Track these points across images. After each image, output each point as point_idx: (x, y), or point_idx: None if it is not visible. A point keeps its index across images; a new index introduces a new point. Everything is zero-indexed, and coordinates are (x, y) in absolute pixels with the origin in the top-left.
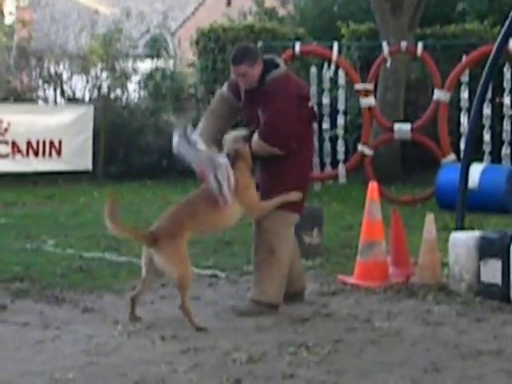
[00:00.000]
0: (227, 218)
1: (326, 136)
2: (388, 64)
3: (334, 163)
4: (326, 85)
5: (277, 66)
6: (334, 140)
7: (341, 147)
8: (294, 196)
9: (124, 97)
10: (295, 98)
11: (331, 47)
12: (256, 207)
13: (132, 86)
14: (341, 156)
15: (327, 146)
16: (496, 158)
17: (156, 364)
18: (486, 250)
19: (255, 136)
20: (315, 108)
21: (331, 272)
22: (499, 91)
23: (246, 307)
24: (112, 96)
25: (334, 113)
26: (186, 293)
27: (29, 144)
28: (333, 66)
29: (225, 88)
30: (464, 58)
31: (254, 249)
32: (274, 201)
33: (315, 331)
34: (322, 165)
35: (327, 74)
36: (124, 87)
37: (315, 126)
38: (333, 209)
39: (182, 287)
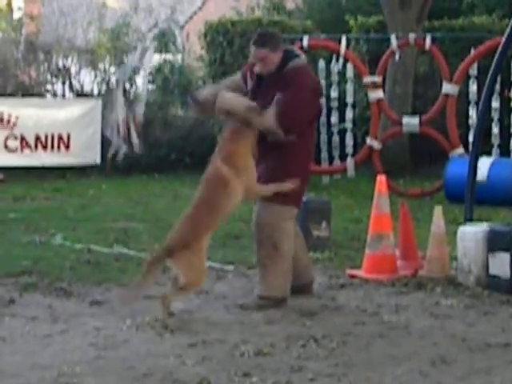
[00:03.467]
0: (233, 200)
1: (335, 129)
2: (396, 57)
3: (343, 156)
4: (335, 78)
5: (297, 56)
6: (342, 133)
7: (349, 140)
8: (288, 186)
9: (132, 90)
10: (311, 91)
11: (339, 40)
12: (254, 188)
13: (140, 80)
14: (349, 149)
15: (336, 139)
16: (505, 151)
17: (164, 357)
18: (494, 243)
19: (269, 108)
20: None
21: (339, 265)
22: (508, 84)
23: (253, 303)
24: (120, 90)
25: (342, 106)
26: (182, 295)
27: (37, 138)
28: (341, 60)
29: (237, 76)
30: (472, 51)
31: (257, 245)
32: (270, 187)
33: (323, 324)
34: (331, 158)
35: (335, 67)
36: (132, 81)
37: (322, 119)
38: (341, 202)
39: (183, 291)
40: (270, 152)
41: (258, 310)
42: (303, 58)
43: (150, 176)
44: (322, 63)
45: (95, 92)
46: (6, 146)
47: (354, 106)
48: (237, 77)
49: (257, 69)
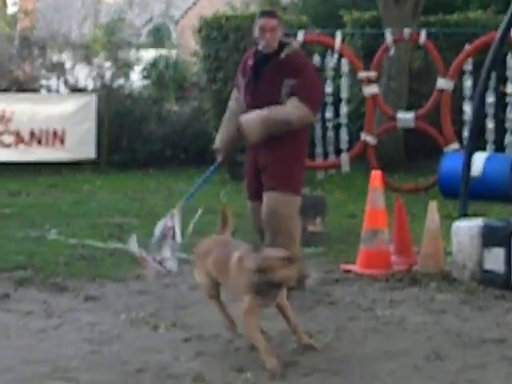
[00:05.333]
0: None
1: (329, 125)
2: (391, 52)
3: (337, 152)
4: (329, 73)
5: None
6: (337, 129)
7: (344, 136)
8: None
9: (127, 86)
10: (316, 72)
11: (334, 35)
12: None
13: (135, 75)
14: (344, 145)
15: (330, 134)
16: (499, 146)
17: (159, 352)
18: (489, 238)
19: (292, 100)
20: None
21: (334, 260)
22: (502, 80)
23: None
24: (115, 85)
25: (337, 101)
26: None
27: (32, 133)
28: (336, 55)
29: (234, 92)
30: (467, 47)
31: (271, 236)
32: None
33: (318, 319)
34: (325, 153)
35: (330, 62)
36: (127, 76)
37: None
38: (336, 197)
39: None
40: (271, 141)
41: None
42: (294, 42)
43: (145, 171)
44: (316, 58)
45: (90, 87)
46: (0, 142)
47: (348, 101)
48: (235, 96)
49: (263, 43)
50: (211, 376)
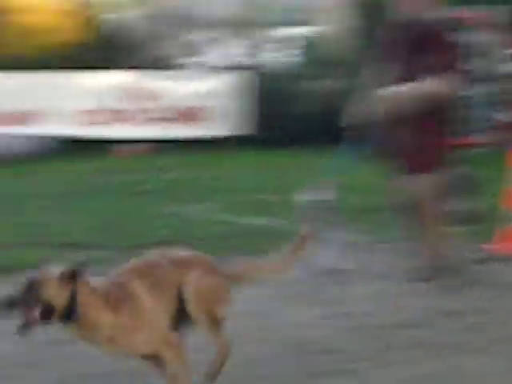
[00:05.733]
0: None
1: (475, 102)
2: None
3: (487, 129)
4: (477, 49)
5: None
6: (483, 106)
7: (492, 114)
8: None
9: (278, 63)
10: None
11: (479, 11)
12: None
13: (286, 53)
14: (491, 122)
15: (478, 112)
16: None
17: (313, 327)
18: None
19: (431, 76)
20: None
21: (481, 239)
22: None
23: (432, 274)
24: (266, 62)
25: (483, 79)
26: None
27: (179, 110)
28: (481, 31)
29: (369, 68)
30: None
31: (411, 216)
32: None
33: (463, 299)
34: (472, 131)
35: (476, 38)
36: (278, 53)
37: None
38: (484, 175)
39: None
40: (411, 120)
41: (427, 280)
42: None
43: (296, 149)
44: (464, 35)
45: (243, 64)
46: (148, 119)
47: (495, 79)
48: (367, 76)
49: (403, 9)
50: (362, 352)
